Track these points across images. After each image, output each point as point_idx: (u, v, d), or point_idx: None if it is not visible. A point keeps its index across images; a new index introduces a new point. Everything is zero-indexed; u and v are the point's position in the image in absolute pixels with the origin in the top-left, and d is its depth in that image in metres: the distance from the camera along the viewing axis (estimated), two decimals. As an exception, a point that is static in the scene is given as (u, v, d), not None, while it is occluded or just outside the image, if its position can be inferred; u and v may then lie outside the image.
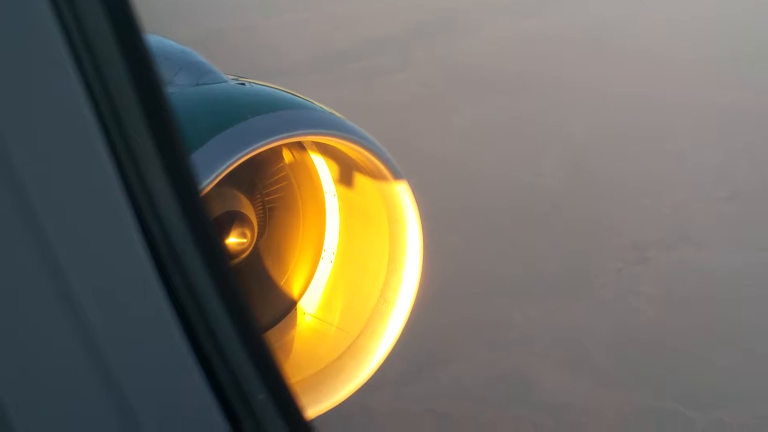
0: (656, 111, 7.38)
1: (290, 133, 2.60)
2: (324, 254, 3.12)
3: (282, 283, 3.14)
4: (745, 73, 8.26)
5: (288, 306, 3.13)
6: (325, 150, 2.95)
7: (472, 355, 4.46)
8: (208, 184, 2.41)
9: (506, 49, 8.98)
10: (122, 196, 0.98)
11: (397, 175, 2.81)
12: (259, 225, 2.98)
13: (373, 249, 2.99)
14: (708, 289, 5.00)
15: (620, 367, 4.40)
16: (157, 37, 2.80)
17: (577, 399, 4.17)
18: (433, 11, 10.35)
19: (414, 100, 7.80)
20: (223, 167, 2.44)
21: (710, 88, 7.85)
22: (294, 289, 3.14)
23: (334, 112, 2.77)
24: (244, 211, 2.90)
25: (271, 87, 2.83)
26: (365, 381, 2.96)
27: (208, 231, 1.08)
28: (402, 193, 2.84)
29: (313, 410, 2.85)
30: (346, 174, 2.99)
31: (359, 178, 2.93)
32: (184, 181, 1.05)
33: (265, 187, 3.05)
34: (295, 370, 2.95)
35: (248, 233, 2.88)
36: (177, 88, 2.71)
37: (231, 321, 1.08)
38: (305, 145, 3.01)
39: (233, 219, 2.85)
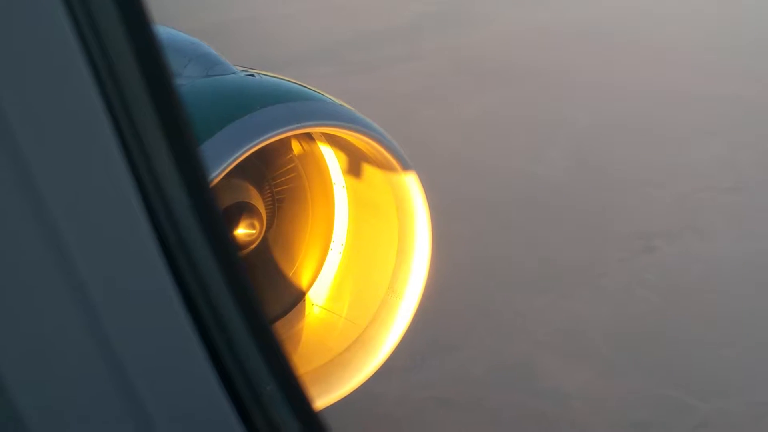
0: (662, 102, 7.36)
1: (299, 125, 2.60)
2: (333, 245, 3.12)
3: (291, 274, 3.14)
4: (750, 64, 8.24)
5: (297, 297, 3.14)
6: (334, 141, 2.95)
7: (476, 343, 4.47)
8: (217, 175, 2.41)
9: (514, 40, 8.97)
10: (131, 188, 0.98)
11: (405, 167, 2.81)
12: (268, 216, 2.98)
13: (381, 240, 2.99)
14: (712, 279, 5.00)
15: (623, 355, 4.40)
16: (167, 28, 2.80)
17: (579, 387, 4.17)
18: (440, 2, 10.33)
19: (420, 91, 7.79)
20: (232, 158, 2.44)
21: (716, 80, 7.84)
22: (303, 280, 3.15)
23: (343, 103, 2.76)
24: (253, 203, 2.90)
25: (280, 78, 2.83)
26: (374, 372, 2.96)
27: (217, 222, 1.08)
28: (411, 184, 2.83)
29: (321, 401, 2.85)
30: (355, 165, 2.99)
31: (368, 170, 2.93)
32: (193, 172, 1.05)
33: (274, 178, 3.05)
34: (304, 361, 2.95)
35: (257, 224, 2.88)
36: (187, 79, 2.71)
37: (239, 312, 1.08)
38: (314, 137, 3.01)
39: (242, 210, 2.86)
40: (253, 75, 2.81)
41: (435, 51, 8.73)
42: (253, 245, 2.91)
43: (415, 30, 9.32)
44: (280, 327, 3.05)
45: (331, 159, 3.05)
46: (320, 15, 9.75)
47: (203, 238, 1.05)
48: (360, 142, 2.76)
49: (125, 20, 0.99)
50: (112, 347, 0.98)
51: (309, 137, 3.02)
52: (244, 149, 2.47)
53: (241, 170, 2.70)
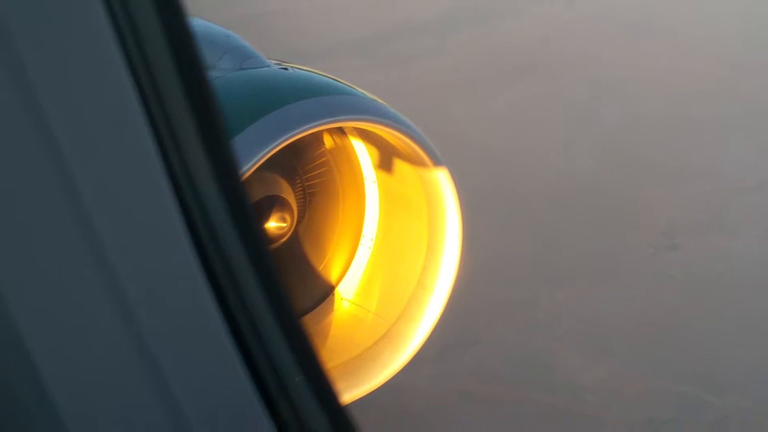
0: (694, 97, 7.30)
1: (331, 119, 2.61)
2: (363, 240, 3.13)
3: (320, 268, 3.15)
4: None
5: (326, 291, 3.14)
6: (366, 136, 2.95)
7: (496, 337, 4.46)
8: (249, 168, 2.42)
9: (545, 34, 8.91)
10: (164, 180, 0.99)
11: (437, 162, 2.81)
12: (298, 210, 2.99)
13: (411, 235, 2.99)
14: (736, 277, 4.96)
15: (642, 351, 4.38)
16: (201, 21, 2.81)
17: (598, 382, 4.17)
18: (471, -5, 10.29)
19: (450, 83, 7.76)
20: (264, 152, 2.45)
21: (750, 75, 7.76)
22: (332, 275, 3.15)
23: (375, 97, 2.76)
24: (284, 196, 2.91)
25: (313, 72, 2.84)
26: (402, 367, 2.96)
27: (248, 215, 1.09)
28: (441, 179, 2.83)
29: (348, 395, 2.86)
30: (386, 160, 2.99)
31: (399, 165, 2.93)
32: (225, 166, 1.06)
33: (305, 172, 3.06)
34: (332, 355, 2.96)
35: (288, 218, 2.89)
36: (220, 72, 2.73)
37: (269, 305, 1.09)
38: (346, 131, 3.01)
39: (273, 203, 2.87)
40: (286, 68, 2.82)
41: (465, 44, 8.69)
42: (284, 239, 2.92)
43: (446, 23, 9.29)
44: (309, 320, 3.06)
45: (363, 153, 3.05)
46: (351, 8, 9.74)
47: (234, 231, 1.05)
48: (392, 137, 2.75)
49: (160, 12, 1.00)
50: (142, 338, 0.99)
51: (341, 131, 3.02)
52: (276, 143, 2.47)
53: (272, 164, 2.71)
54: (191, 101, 1.02)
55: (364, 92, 2.77)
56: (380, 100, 2.76)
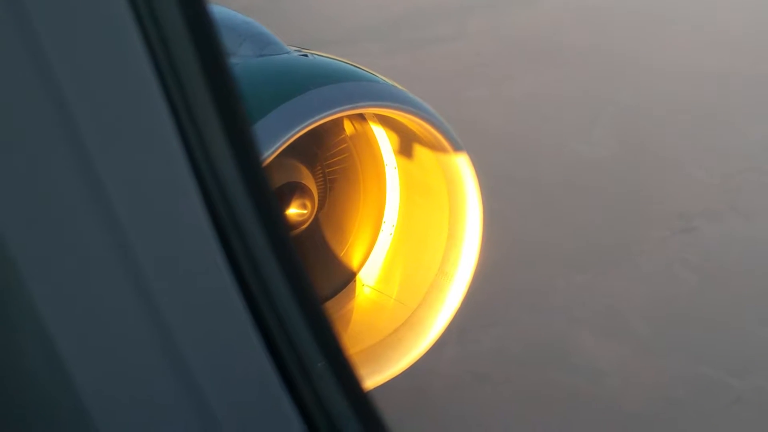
0: (710, 83, 7.27)
1: (351, 105, 2.60)
2: (384, 226, 3.13)
3: (342, 254, 3.15)
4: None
5: (347, 277, 3.15)
6: (387, 122, 2.95)
7: (514, 320, 4.48)
8: (270, 154, 2.42)
9: (563, 20, 8.88)
10: (185, 166, 0.99)
11: (457, 148, 2.80)
12: (319, 196, 2.99)
13: (432, 222, 2.99)
14: (752, 260, 4.95)
15: (660, 334, 4.38)
16: (221, 7, 2.82)
17: (615, 365, 4.17)
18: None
19: (468, 69, 7.75)
20: (285, 138, 2.45)
21: (763, 61, 7.72)
22: (353, 261, 3.16)
23: (395, 84, 2.76)
24: (305, 182, 2.91)
25: (333, 58, 2.84)
26: (423, 353, 2.97)
27: (269, 201, 1.09)
28: (462, 166, 2.83)
29: (370, 381, 2.87)
30: (406, 146, 2.99)
31: (419, 151, 2.93)
32: (246, 152, 1.06)
33: (326, 158, 3.06)
34: (354, 340, 2.97)
35: (309, 204, 2.90)
36: (241, 59, 2.73)
37: (291, 291, 1.10)
38: (367, 117, 3.01)
39: (294, 190, 2.87)
40: (306, 55, 2.82)
41: (483, 30, 8.67)
42: (305, 225, 2.93)
43: (464, 8, 9.26)
44: (331, 306, 3.06)
45: (383, 140, 3.05)
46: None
47: (255, 217, 1.06)
48: (412, 123, 2.75)
49: None
50: (165, 321, 1.00)
51: (361, 118, 3.02)
52: (296, 129, 2.48)
53: (293, 150, 2.71)
54: (212, 88, 1.03)
55: (385, 78, 2.77)
56: (400, 87, 2.76)
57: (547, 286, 4.75)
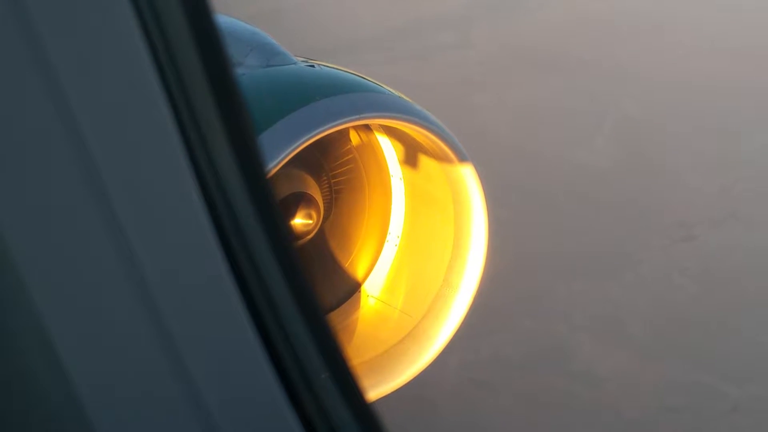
0: (712, 93, 7.28)
1: (357, 116, 2.61)
2: (389, 237, 3.13)
3: (346, 265, 3.15)
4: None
5: (352, 288, 3.15)
6: (392, 133, 2.96)
7: (514, 326, 4.48)
8: (275, 165, 2.43)
9: (566, 29, 8.89)
10: (190, 176, 0.99)
11: (462, 159, 2.80)
12: (325, 207, 3.00)
13: (437, 233, 2.99)
14: (753, 268, 4.94)
15: (658, 341, 4.39)
16: (228, 17, 2.82)
17: (613, 371, 4.18)
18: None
19: (471, 78, 7.76)
20: (290, 148, 2.46)
21: (763, 70, 7.72)
22: (358, 272, 3.16)
23: (401, 94, 2.77)
24: (311, 193, 2.91)
25: (339, 69, 2.84)
26: (427, 365, 2.97)
27: (273, 212, 1.09)
28: (467, 177, 2.83)
29: (374, 392, 2.86)
30: (412, 157, 2.99)
31: (425, 161, 2.94)
32: (251, 162, 1.06)
33: (332, 169, 3.07)
34: (358, 352, 2.96)
35: (314, 215, 2.90)
36: (247, 69, 2.74)
37: (294, 300, 1.09)
38: (372, 128, 3.01)
39: (299, 200, 2.87)
40: (313, 66, 2.82)
41: (486, 39, 8.68)
42: (310, 235, 2.92)
43: (467, 17, 9.27)
44: (335, 317, 3.06)
45: (389, 150, 3.05)
46: (368, 1, 9.74)
47: (260, 227, 1.06)
48: (418, 134, 2.76)
49: (187, 9, 1.01)
50: (168, 331, 1.00)
51: (367, 128, 3.03)
52: (302, 140, 2.48)
53: (299, 160, 2.72)
54: (218, 98, 1.03)
55: (390, 89, 2.77)
56: (406, 97, 2.76)
57: (546, 292, 4.76)
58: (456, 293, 2.95)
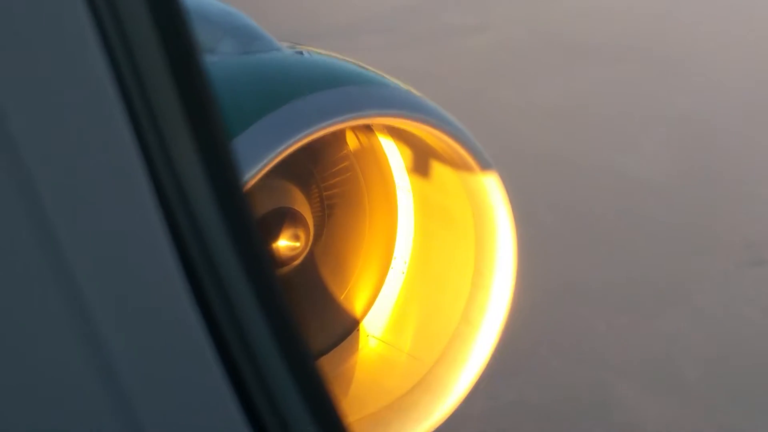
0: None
1: (355, 114, 2.61)
2: (394, 263, 3.14)
3: (342, 297, 3.16)
4: None
5: (349, 326, 3.15)
6: (399, 135, 2.96)
7: (541, 368, 4.49)
8: (253, 175, 2.42)
9: (602, 10, 8.94)
10: (147, 190, 0.99)
11: (485, 167, 2.80)
12: (315, 225, 3.00)
13: (454, 257, 3.00)
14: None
15: (716, 388, 4.41)
16: (196, -6, 2.83)
17: (657, 423, 4.19)
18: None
19: (492, 67, 7.81)
20: (272, 155, 2.45)
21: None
22: (356, 306, 3.16)
23: (409, 88, 2.77)
24: (298, 208, 2.92)
25: (334, 57, 2.85)
26: (442, 421, 2.96)
27: (250, 233, 1.09)
28: (491, 189, 2.83)
29: (376, 455, 2.86)
30: (423, 164, 2.99)
31: (439, 170, 2.94)
32: (222, 172, 1.06)
33: (324, 179, 3.07)
34: (357, 405, 2.96)
35: (302, 235, 2.90)
36: (220, 56, 2.74)
37: (276, 344, 1.09)
38: (374, 129, 3.02)
39: (284, 217, 2.88)
40: (301, 52, 2.83)
41: (508, 20, 8.74)
42: (297, 261, 2.93)
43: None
44: (328, 363, 3.06)
45: (394, 156, 3.06)
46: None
47: (233, 252, 1.05)
48: (430, 136, 2.76)
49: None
50: (121, 382, 0.99)
51: (368, 129, 3.03)
52: (287, 143, 2.48)
53: (283, 169, 2.72)
54: (182, 92, 1.02)
55: (396, 81, 2.77)
56: (415, 91, 2.76)
57: (582, 327, 4.79)
58: (477, 332, 2.95)
